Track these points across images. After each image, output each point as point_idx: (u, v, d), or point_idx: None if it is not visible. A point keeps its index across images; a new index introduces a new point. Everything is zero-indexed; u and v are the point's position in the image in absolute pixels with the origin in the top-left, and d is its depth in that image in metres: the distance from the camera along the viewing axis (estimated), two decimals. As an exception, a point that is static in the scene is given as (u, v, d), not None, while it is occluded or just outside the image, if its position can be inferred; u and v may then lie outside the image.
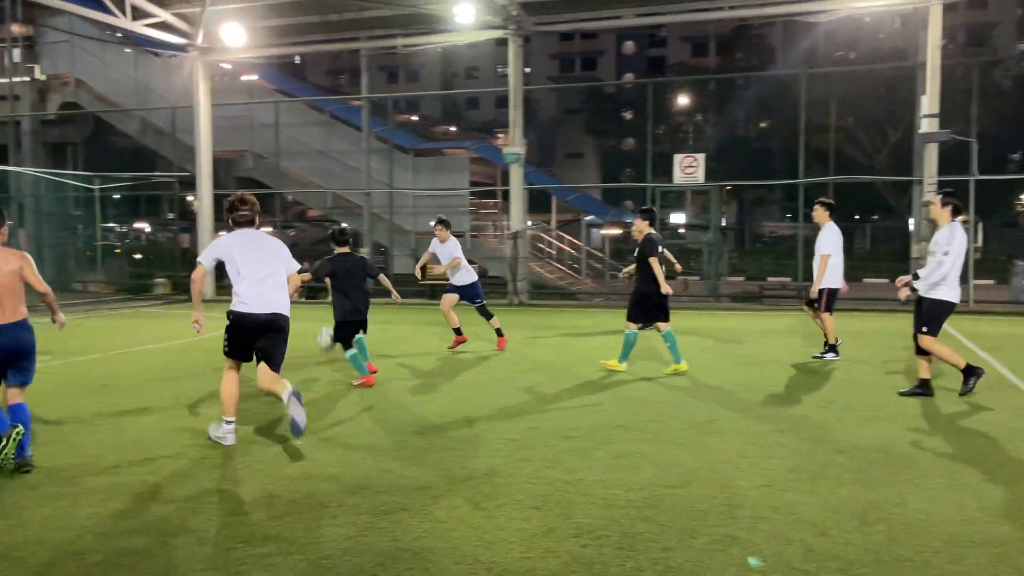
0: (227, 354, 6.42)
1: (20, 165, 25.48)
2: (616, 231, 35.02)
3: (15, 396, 5.66)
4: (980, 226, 19.42)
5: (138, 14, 19.20)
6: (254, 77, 28.61)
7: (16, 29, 27.42)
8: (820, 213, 10.17)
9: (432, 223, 11.99)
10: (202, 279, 6.51)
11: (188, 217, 26.43)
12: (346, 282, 9.04)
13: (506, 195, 21.06)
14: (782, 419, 6.93)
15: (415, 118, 49.21)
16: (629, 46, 66.00)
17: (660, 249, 9.21)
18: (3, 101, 27.02)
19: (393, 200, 23.04)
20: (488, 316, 11.72)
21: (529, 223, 23.85)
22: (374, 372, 9.07)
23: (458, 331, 11.58)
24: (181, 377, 9.30)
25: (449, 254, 11.60)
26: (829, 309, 10.01)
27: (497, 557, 4.00)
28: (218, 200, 23.11)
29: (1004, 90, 35.83)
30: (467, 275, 11.76)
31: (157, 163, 26.92)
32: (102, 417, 7.19)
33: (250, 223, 6.51)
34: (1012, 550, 4.03)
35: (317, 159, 24.52)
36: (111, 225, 29.83)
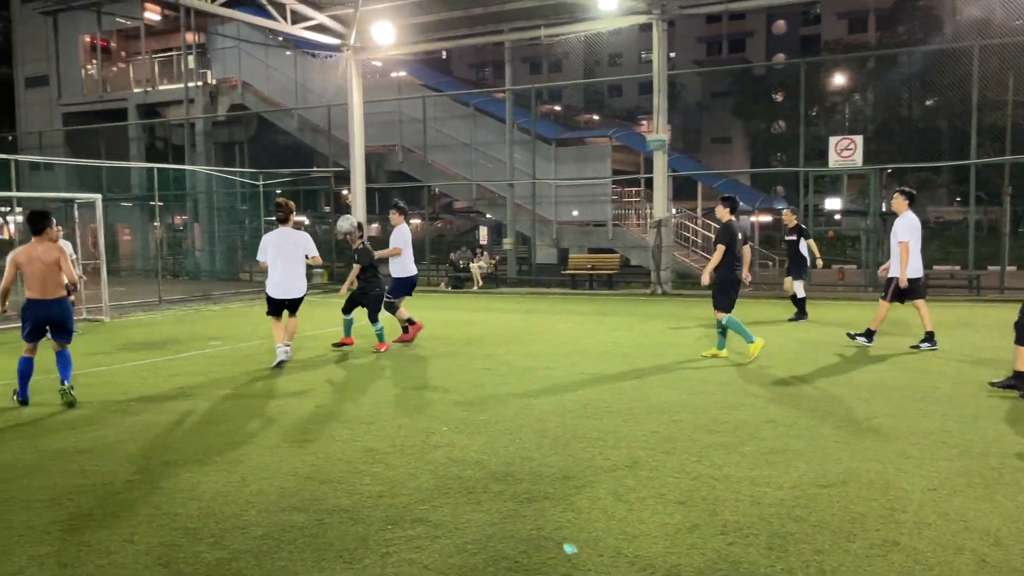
0: (269, 313, 9.72)
1: (195, 164, 27.56)
2: (766, 218, 33.72)
3: (61, 346, 7.56)
4: None
5: (297, 18, 20.25)
6: (403, 73, 29.55)
7: (190, 38, 29.60)
8: (899, 202, 9.85)
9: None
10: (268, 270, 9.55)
11: (342, 210, 27.67)
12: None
13: (649, 183, 20.73)
14: (949, 417, 6.45)
15: (558, 108, 49.32)
16: (780, 25, 63.24)
17: (740, 237, 9.37)
18: (179, 105, 29.26)
19: (536, 190, 23.20)
20: (392, 310, 11.29)
21: (673, 211, 23.40)
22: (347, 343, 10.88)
23: (410, 321, 11.47)
24: (335, 362, 9.76)
25: (391, 242, 11.45)
26: (897, 299, 9.81)
27: (640, 551, 3.95)
28: (370, 194, 24.08)
29: None
30: (403, 268, 11.33)
31: (314, 159, 28.35)
32: (265, 398, 7.65)
33: (283, 222, 9.56)
34: None
35: (462, 151, 25.05)
36: (273, 219, 31.75)
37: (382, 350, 10.51)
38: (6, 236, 40.16)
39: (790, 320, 12.97)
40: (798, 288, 13.05)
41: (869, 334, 10.10)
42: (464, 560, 3.87)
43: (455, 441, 5.98)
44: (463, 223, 46.58)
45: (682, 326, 12.86)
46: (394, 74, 29.45)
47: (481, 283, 21.70)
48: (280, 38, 27.34)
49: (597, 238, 23.39)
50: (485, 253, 22.90)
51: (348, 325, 10.94)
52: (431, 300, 18.86)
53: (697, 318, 13.89)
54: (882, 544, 3.96)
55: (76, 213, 16.45)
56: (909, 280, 9.65)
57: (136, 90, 31.59)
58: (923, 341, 9.92)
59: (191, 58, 29.56)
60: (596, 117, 49.91)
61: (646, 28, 19.73)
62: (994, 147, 21.85)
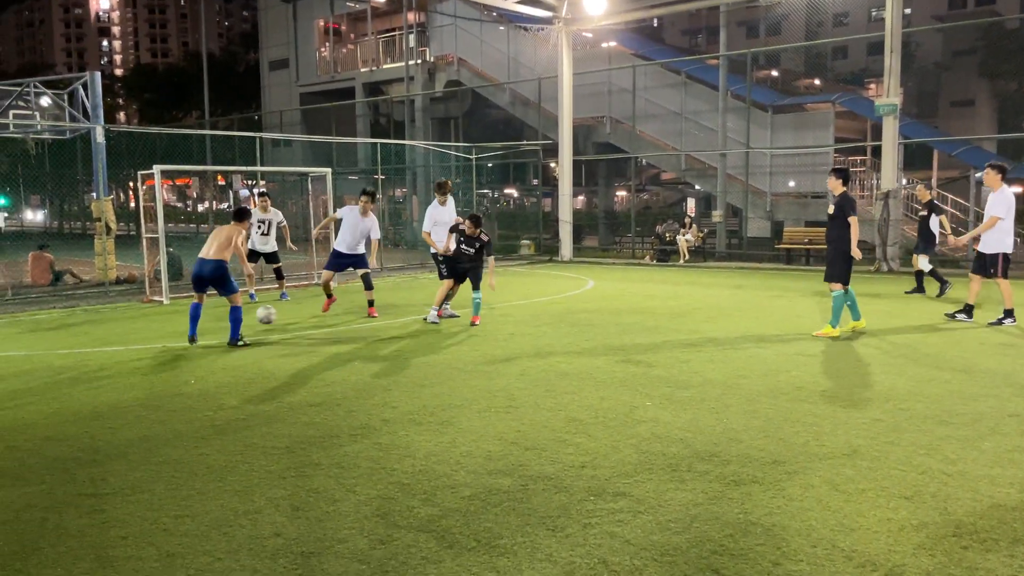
0: (446, 277, 10.87)
1: (413, 138, 29.03)
2: (1018, 189, 30.15)
3: (234, 301, 9.18)
4: None
5: (510, -8, 20.61)
6: (613, 43, 29.27)
7: (411, 17, 31.06)
8: (992, 177, 9.90)
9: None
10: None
11: (550, 183, 28.05)
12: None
13: (876, 151, 19.17)
14: None
15: (775, 73, 46.82)
16: (1040, -30, 55.82)
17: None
18: (401, 83, 30.88)
19: (749, 160, 22.22)
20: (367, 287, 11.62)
21: (904, 181, 21.55)
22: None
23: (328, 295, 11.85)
24: (542, 329, 9.93)
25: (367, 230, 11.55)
26: (1005, 274, 9.94)
27: (859, 545, 3.68)
28: (576, 166, 24.18)
29: None
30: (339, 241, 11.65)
31: (524, 132, 28.92)
32: (475, 363, 7.94)
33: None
34: None
35: (672, 121, 24.47)
36: (484, 191, 32.79)
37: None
38: (252, 206, 44.60)
39: (907, 292, 13.36)
40: (923, 263, 13.14)
41: (969, 310, 10.34)
42: (667, 539, 3.80)
43: (659, 416, 5.89)
44: (670, 195, 45.67)
45: (909, 306, 11.84)
46: (604, 44, 29.26)
47: (687, 256, 21.21)
48: (494, 13, 28.00)
49: (815, 210, 22.03)
50: (693, 225, 22.32)
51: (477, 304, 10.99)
52: (636, 272, 18.69)
53: (926, 298, 12.74)
54: None
55: (309, 185, 17.89)
56: (1003, 256, 9.86)
57: (363, 69, 33.72)
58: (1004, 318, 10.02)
59: (412, 37, 31.03)
60: (817, 82, 46.87)
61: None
62: None
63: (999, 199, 9.77)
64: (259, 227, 13.05)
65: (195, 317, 9.18)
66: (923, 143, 25.16)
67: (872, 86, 41.52)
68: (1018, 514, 3.99)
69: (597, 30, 26.69)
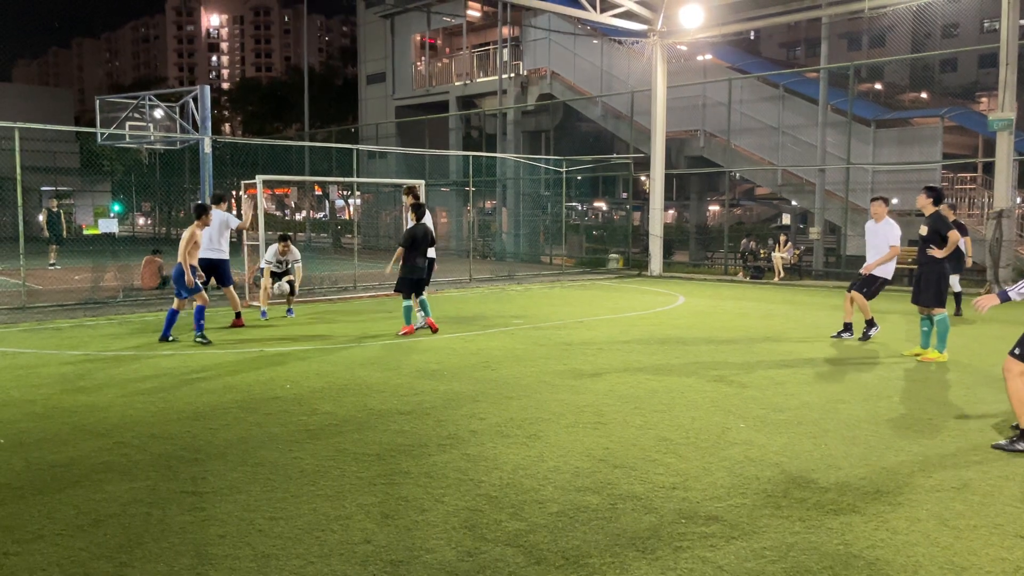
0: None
1: (505, 151, 29.27)
2: None
3: (181, 307, 10.14)
4: None
5: (605, 6, 20.57)
6: (708, 56, 28.85)
7: (505, 32, 31.38)
8: (880, 208, 10.13)
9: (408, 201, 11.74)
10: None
11: (640, 196, 27.78)
12: (422, 248, 10.71)
13: (989, 168, 18.24)
14: None
15: (878, 86, 45.24)
16: None
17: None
18: (493, 96, 31.21)
19: (849, 176, 21.48)
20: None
21: (1018, 199, 20.44)
22: (434, 329, 10.83)
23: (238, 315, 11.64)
24: (631, 345, 9.81)
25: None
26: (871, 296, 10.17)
27: (970, 587, 3.47)
28: (669, 180, 23.88)
29: None
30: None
31: (615, 145, 28.75)
32: (563, 377, 7.90)
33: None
34: None
35: (768, 135, 23.90)
36: (574, 204, 32.76)
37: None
38: (347, 216, 45.81)
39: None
40: (955, 283, 12.88)
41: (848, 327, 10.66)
42: (761, 567, 3.66)
43: (752, 439, 5.72)
44: (764, 210, 44.60)
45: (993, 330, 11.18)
46: (699, 57, 28.87)
47: (783, 274, 20.62)
48: (588, 27, 28.00)
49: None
50: (789, 243, 21.70)
51: (414, 310, 10.96)
52: (728, 289, 18.30)
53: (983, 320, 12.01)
54: None
55: (403, 197, 18.22)
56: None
57: (456, 83, 34.25)
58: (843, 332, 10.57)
59: (505, 51, 31.34)
60: (924, 95, 45.05)
61: (995, -9, 17.31)
62: None
63: (893, 231, 10.19)
64: (278, 266, 12.78)
65: (170, 321, 10.07)
66: (1040, 160, 23.80)
67: (984, 100, 39.66)
68: None
69: (692, 43, 26.36)
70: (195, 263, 10.06)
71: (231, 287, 11.55)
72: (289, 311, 12.83)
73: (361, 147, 22.65)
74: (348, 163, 19.18)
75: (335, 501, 4.50)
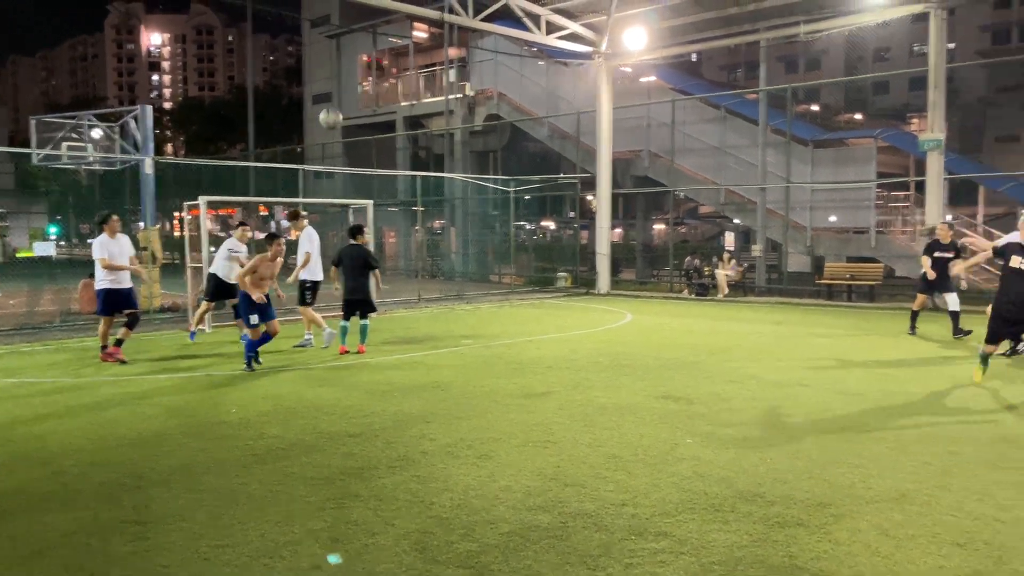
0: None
1: (453, 171, 29.32)
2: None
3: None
4: None
5: (551, 28, 20.83)
6: (652, 78, 29.39)
7: (452, 53, 31.53)
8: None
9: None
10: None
11: (587, 215, 28.06)
12: (350, 268, 10.76)
13: (920, 186, 18.91)
14: None
15: (815, 108, 46.60)
16: (1087, 5, 55.08)
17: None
18: (441, 116, 31.30)
19: (789, 195, 22.05)
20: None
21: (948, 217, 21.20)
22: (361, 352, 10.72)
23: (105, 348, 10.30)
24: (579, 363, 9.88)
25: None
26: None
27: (910, 594, 3.58)
28: (615, 199, 24.20)
29: None
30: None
31: (562, 165, 29.03)
32: (513, 396, 7.92)
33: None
34: None
35: (711, 155, 24.40)
36: (522, 223, 32.93)
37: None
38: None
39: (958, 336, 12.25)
40: (954, 302, 12.55)
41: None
42: (710, 581, 3.72)
43: (700, 455, 5.81)
44: (708, 228, 45.45)
45: (954, 346, 11.58)
46: (643, 79, 29.39)
47: (727, 291, 21.01)
48: (534, 48, 28.31)
49: (857, 246, 21.74)
50: (732, 260, 22.13)
51: (343, 330, 10.92)
52: (674, 306, 18.56)
53: (973, 337, 12.44)
54: None
55: (351, 217, 18.12)
56: None
57: (404, 103, 34.25)
58: None
59: (452, 72, 31.47)
60: (858, 117, 46.54)
61: (920, 19, 18.05)
62: None
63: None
64: (229, 254, 11.69)
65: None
66: (968, 178, 24.79)
67: (915, 121, 41.10)
68: (1078, 565, 3.84)
69: (636, 65, 26.84)
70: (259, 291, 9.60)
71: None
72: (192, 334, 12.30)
73: (307, 167, 22.48)
74: (294, 183, 18.97)
75: (283, 526, 4.44)
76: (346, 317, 10.88)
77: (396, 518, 4.55)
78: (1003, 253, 7.87)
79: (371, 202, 16.68)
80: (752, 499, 4.82)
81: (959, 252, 12.74)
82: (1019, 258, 7.56)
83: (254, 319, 9.48)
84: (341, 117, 11.19)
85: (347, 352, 10.72)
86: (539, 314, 16.82)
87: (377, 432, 6.53)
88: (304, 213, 12.25)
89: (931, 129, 17.66)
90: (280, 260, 9.87)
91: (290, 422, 6.92)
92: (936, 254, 12.65)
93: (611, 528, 4.38)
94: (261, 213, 42.39)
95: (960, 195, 28.55)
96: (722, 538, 4.23)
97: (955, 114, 45.66)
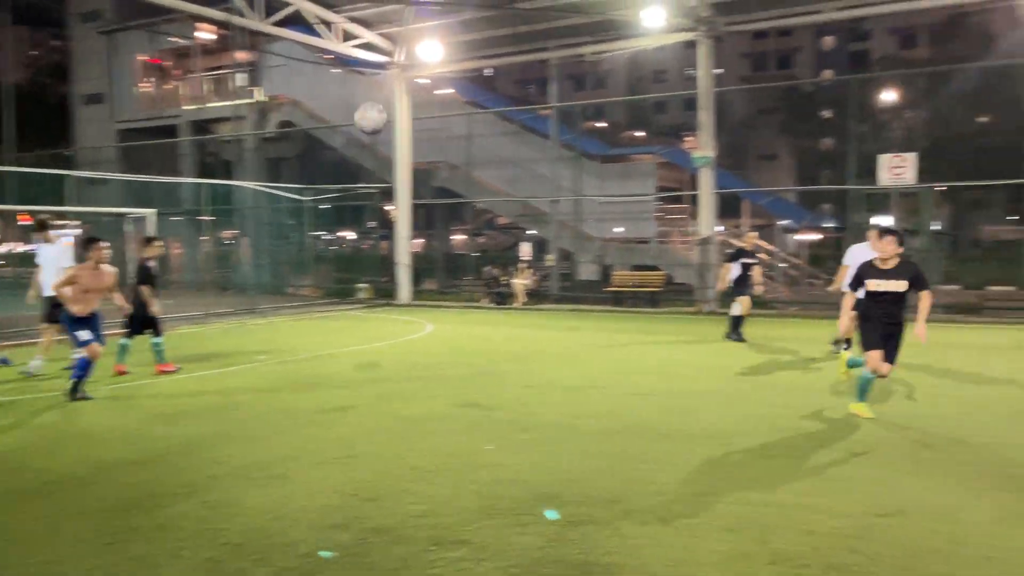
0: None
1: (243, 179, 28.04)
2: (814, 236, 33.13)
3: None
4: None
5: (346, 36, 20.54)
6: (450, 91, 29.79)
7: (242, 56, 30.21)
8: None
9: None
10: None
11: (388, 225, 27.88)
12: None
13: (694, 199, 20.53)
14: (1019, 446, 6.21)
15: (602, 125, 49.24)
16: (828, 41, 62.46)
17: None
18: (229, 122, 29.87)
19: (580, 207, 23.15)
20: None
21: (720, 228, 23.13)
22: (124, 373, 9.90)
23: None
24: (380, 375, 9.77)
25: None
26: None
27: (690, 579, 3.85)
28: (415, 209, 24.24)
29: None
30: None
31: (360, 175, 28.66)
32: (310, 412, 7.68)
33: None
34: None
35: (507, 168, 25.11)
36: (319, 233, 32.13)
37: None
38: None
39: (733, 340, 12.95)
40: (745, 307, 13.08)
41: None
42: (510, 584, 3.80)
43: (500, 461, 5.93)
44: (506, 239, 46.74)
45: (731, 345, 12.64)
46: (440, 91, 29.71)
47: (525, 299, 21.66)
48: (329, 56, 27.77)
49: (641, 255, 23.24)
50: (528, 269, 22.86)
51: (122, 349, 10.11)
52: (474, 316, 18.87)
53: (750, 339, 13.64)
54: (944, 579, 3.81)
55: (130, 227, 16.83)
56: None
57: (188, 107, 32.33)
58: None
59: (242, 76, 30.15)
60: (642, 134, 49.74)
61: (691, 44, 19.62)
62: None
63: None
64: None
65: None
66: (734, 193, 27.24)
67: (689, 139, 44.55)
68: (829, 540, 4.31)
69: (433, 77, 27.07)
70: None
71: None
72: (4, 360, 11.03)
73: (75, 173, 20.65)
74: (60, 190, 17.35)
75: (52, 568, 4.02)
76: (129, 335, 10.06)
77: (183, 549, 4.27)
78: (860, 281, 7.32)
79: (154, 211, 15.61)
80: (549, 500, 4.98)
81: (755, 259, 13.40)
82: (876, 281, 7.17)
83: (84, 335, 8.23)
84: (385, 116, 9.65)
85: (125, 372, 9.92)
86: (339, 326, 16.47)
87: (161, 458, 6.09)
88: (59, 222, 10.82)
89: (702, 147, 19.22)
90: (108, 270, 8.62)
91: (58, 452, 6.29)
92: (742, 260, 13.19)
93: (411, 540, 4.36)
94: (22, 223, 38.25)
95: (729, 208, 31.30)
96: (521, 541, 4.33)
97: (723, 134, 50.12)
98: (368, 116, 8.42)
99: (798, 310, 19.50)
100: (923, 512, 4.71)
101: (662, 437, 6.61)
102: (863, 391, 7.34)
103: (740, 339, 12.97)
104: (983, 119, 40.73)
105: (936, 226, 30.27)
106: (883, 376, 7.24)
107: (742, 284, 13.20)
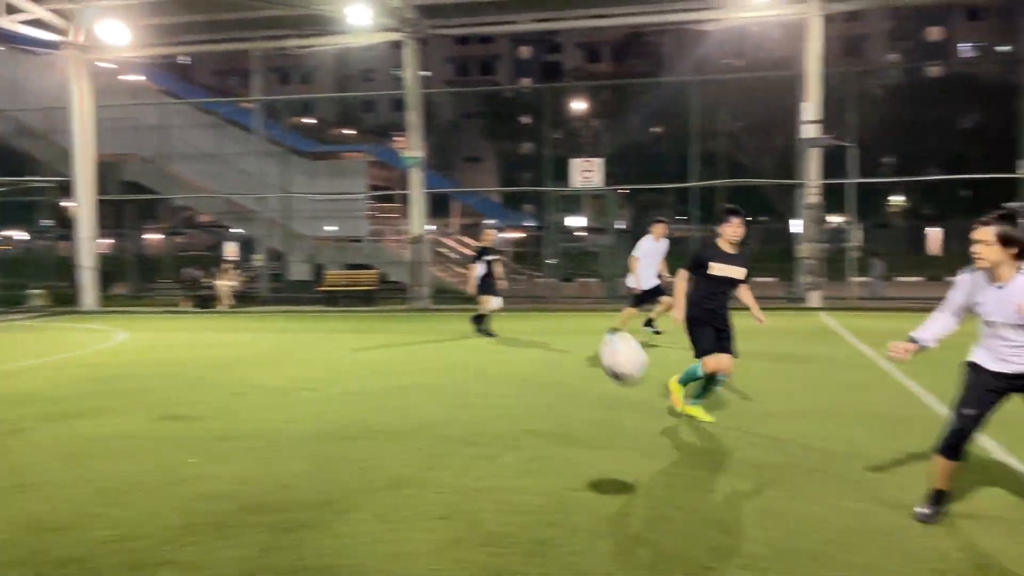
0: None
1: None
2: (518, 234, 35.18)
3: None
4: (860, 226, 20.51)
5: (11, 9, 18.05)
6: (141, 77, 27.37)
7: None
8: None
9: None
10: None
11: (67, 224, 25.01)
12: None
13: (406, 199, 20.86)
14: (683, 418, 7.07)
15: (311, 121, 48.22)
16: (525, 51, 66.68)
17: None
18: None
19: (289, 205, 22.48)
20: None
21: (431, 227, 23.73)
22: None
23: None
24: (62, 391, 8.74)
25: None
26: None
27: (404, 571, 3.91)
28: (102, 206, 21.98)
29: (876, 98, 38.01)
30: None
31: (31, 167, 25.35)
32: (-28, 441, 6.66)
33: None
34: (903, 538, 4.22)
35: (208, 162, 23.67)
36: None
37: None
38: None
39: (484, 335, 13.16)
40: (497, 303, 13.26)
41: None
42: (217, 602, 3.60)
43: (205, 473, 5.58)
44: (208, 238, 44.00)
45: (443, 340, 13.02)
46: (129, 77, 27.20)
47: (232, 302, 20.58)
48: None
49: (354, 254, 23.15)
50: (233, 270, 21.74)
51: None
52: (174, 321, 17.57)
53: (457, 331, 14.10)
54: (628, 541, 4.24)
55: None
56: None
57: None
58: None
59: None
60: (353, 132, 49.47)
61: (398, 45, 19.89)
62: (709, 171, 24.46)
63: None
64: None
65: None
66: (443, 193, 28.08)
67: (399, 139, 45.19)
68: (534, 517, 4.60)
69: (121, 62, 24.70)
70: None
71: None
72: None
73: None
74: None
75: None
76: None
77: None
78: (702, 265, 6.66)
79: None
80: (258, 510, 4.78)
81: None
82: (721, 265, 6.61)
83: None
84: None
85: None
86: (6, 340, 14.48)
87: None
88: None
89: (412, 147, 19.58)
90: None
91: None
92: (486, 258, 13.13)
93: (105, 569, 3.95)
94: None
95: (439, 207, 32.22)
96: (231, 554, 4.11)
97: (432, 135, 51.48)
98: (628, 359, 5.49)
99: (506, 304, 20.60)
100: (611, 483, 5.21)
101: (375, 434, 6.64)
102: (698, 391, 6.93)
103: (490, 334, 13.08)
104: (656, 129, 45.91)
105: (621, 225, 33.58)
106: (729, 374, 6.80)
107: (488, 281, 13.18)
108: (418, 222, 19.72)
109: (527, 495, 4.98)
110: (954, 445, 4.32)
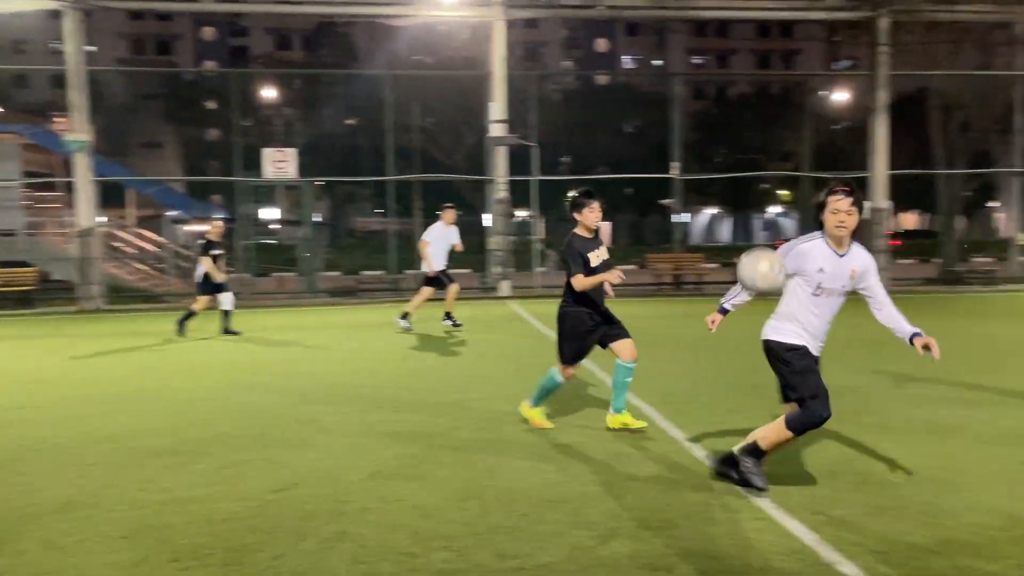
0: None
1: None
2: (205, 227, 33.02)
3: None
4: (543, 220, 22.19)
5: None
6: None
7: None
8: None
9: None
10: None
11: None
12: None
13: (71, 187, 18.64)
14: (384, 408, 7.15)
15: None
16: (209, 32, 62.79)
17: None
18: None
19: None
20: None
21: (105, 219, 21.51)
22: None
23: None
24: None
25: None
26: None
27: (80, 602, 3.52)
28: None
29: (555, 101, 41.29)
30: None
31: None
32: None
33: None
34: (584, 505, 4.64)
35: None
36: None
37: None
38: None
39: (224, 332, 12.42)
40: (229, 301, 12.49)
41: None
42: None
43: None
44: None
45: (124, 344, 11.87)
46: None
47: None
48: None
49: (8, 250, 20.22)
50: None
51: None
52: None
53: (139, 334, 12.95)
54: (331, 537, 4.19)
55: None
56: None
57: None
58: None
59: None
60: (1, 109, 43.08)
61: (56, 15, 17.69)
62: (405, 165, 24.93)
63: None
64: None
65: None
66: (117, 181, 25.55)
67: (60, 120, 40.32)
68: (228, 525, 4.37)
69: None
70: None
71: None
72: None
73: None
74: None
75: None
76: None
77: None
78: (583, 259, 5.97)
79: None
80: None
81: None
82: (596, 252, 6.06)
83: None
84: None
85: None
86: None
87: None
88: None
89: (76, 130, 17.56)
90: None
91: None
92: (212, 252, 12.13)
93: None
94: None
95: (111, 197, 29.24)
96: None
97: (101, 117, 46.46)
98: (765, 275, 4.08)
99: (191, 302, 19.29)
100: (311, 482, 5.11)
101: (43, 452, 5.88)
102: (543, 396, 6.40)
103: (234, 332, 12.25)
104: (351, 122, 45.69)
105: (317, 217, 33.00)
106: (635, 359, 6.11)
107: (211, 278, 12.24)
108: (86, 213, 17.72)
109: (222, 503, 4.72)
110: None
